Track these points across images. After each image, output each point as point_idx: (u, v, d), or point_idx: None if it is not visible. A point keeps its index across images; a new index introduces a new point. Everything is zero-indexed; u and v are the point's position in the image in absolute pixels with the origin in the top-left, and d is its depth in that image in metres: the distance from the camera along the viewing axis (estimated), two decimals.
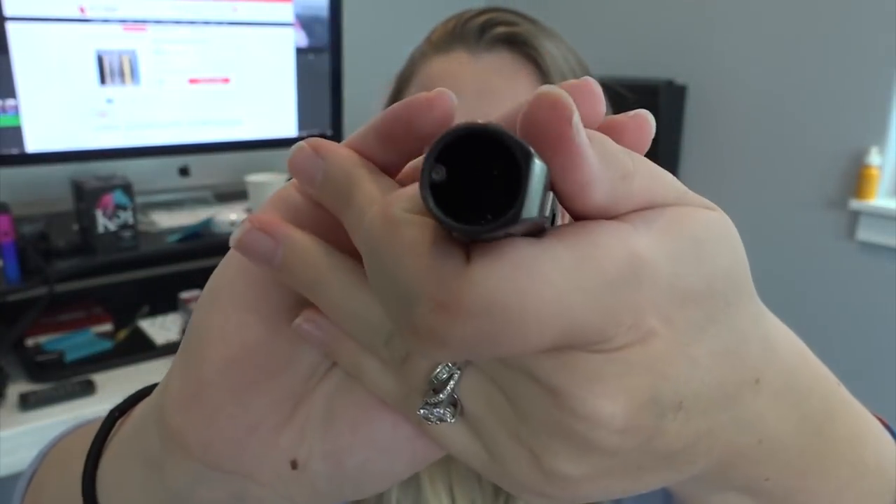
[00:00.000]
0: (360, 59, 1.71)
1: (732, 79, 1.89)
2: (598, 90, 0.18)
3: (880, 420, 0.29)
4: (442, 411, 0.20)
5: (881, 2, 1.60)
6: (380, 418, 0.23)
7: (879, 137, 1.65)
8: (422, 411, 0.20)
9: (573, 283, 0.15)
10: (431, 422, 0.20)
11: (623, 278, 0.16)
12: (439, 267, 0.15)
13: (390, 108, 0.19)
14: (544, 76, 0.55)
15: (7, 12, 1.24)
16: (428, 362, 0.20)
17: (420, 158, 0.20)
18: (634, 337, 0.17)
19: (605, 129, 0.18)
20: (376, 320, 0.20)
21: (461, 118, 0.20)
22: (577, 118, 0.15)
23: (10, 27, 1.25)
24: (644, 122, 0.19)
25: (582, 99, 0.18)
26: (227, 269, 0.23)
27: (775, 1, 1.78)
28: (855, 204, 1.68)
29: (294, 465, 0.24)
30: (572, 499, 0.19)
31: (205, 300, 0.23)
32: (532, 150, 0.14)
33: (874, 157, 1.63)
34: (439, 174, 0.14)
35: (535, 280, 0.15)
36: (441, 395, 0.20)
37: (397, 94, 0.60)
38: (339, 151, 0.20)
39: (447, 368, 0.20)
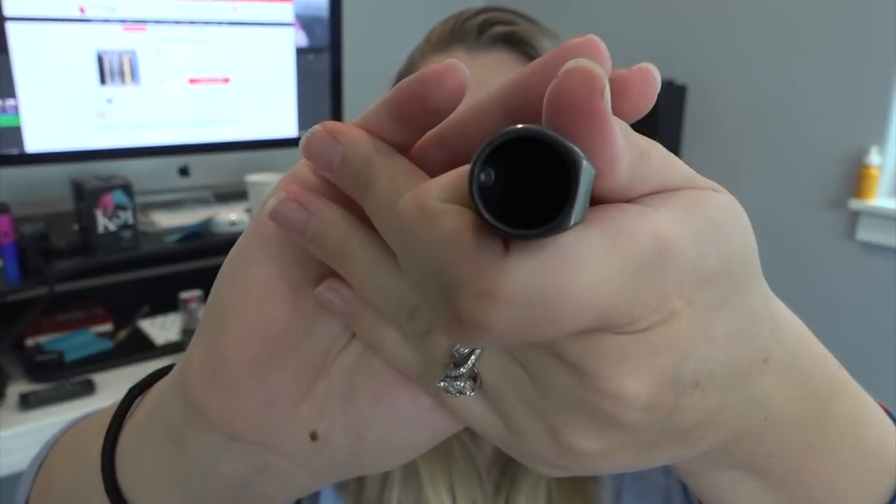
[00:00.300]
0: (360, 59, 1.71)
1: (732, 79, 1.89)
2: (603, 47, 0.17)
3: (882, 406, 0.29)
4: (462, 384, 0.21)
5: (881, 2, 1.60)
6: (399, 391, 0.24)
7: (879, 137, 1.65)
8: (442, 383, 0.21)
9: (606, 269, 0.15)
10: (451, 394, 0.21)
11: (651, 262, 0.16)
12: (480, 256, 0.15)
13: (401, 84, 0.19)
14: None
15: (7, 12, 1.24)
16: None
17: (432, 132, 0.20)
18: (658, 318, 0.17)
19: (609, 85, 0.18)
20: (402, 294, 0.20)
21: None
22: (607, 90, 0.15)
23: (10, 27, 1.25)
24: (649, 75, 0.18)
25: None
26: (245, 245, 0.23)
27: (775, 1, 1.78)
28: (855, 204, 1.68)
29: (314, 436, 0.24)
30: (586, 471, 0.20)
31: (224, 275, 0.23)
32: (581, 153, 0.14)
33: (874, 157, 1.63)
34: (488, 176, 0.14)
35: (572, 268, 0.15)
36: (462, 369, 0.20)
37: None
38: (355, 135, 0.20)
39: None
